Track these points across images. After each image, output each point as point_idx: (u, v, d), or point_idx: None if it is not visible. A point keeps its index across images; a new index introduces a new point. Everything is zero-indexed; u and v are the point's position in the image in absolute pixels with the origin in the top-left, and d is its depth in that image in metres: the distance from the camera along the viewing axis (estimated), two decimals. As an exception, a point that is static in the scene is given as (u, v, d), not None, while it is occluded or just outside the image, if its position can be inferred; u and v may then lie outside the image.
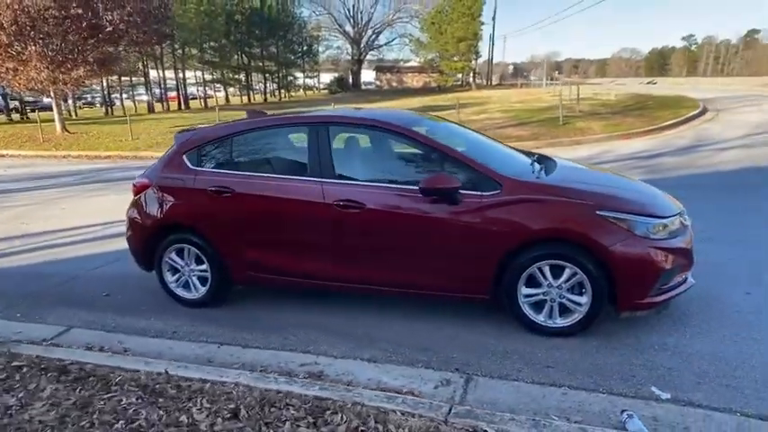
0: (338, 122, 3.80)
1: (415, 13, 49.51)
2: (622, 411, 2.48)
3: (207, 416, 2.34)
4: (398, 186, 3.46)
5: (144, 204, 4.07)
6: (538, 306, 3.33)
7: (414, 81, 65.27)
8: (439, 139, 3.61)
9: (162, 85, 38.20)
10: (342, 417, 2.30)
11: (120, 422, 2.32)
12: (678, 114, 16.54)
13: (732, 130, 13.38)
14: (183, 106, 35.74)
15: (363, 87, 58.08)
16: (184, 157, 3.98)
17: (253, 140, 3.93)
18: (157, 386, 2.64)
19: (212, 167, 3.93)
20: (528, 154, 4.23)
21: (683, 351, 3.09)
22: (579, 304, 3.22)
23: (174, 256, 4.02)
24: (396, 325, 3.61)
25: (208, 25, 32.12)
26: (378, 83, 69.41)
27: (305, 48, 48.61)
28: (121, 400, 2.50)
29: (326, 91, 55.10)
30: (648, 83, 51.53)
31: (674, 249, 3.17)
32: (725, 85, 42.24)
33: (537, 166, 3.76)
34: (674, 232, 3.22)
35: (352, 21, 54.29)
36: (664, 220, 3.20)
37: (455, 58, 42.96)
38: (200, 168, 3.92)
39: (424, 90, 47.33)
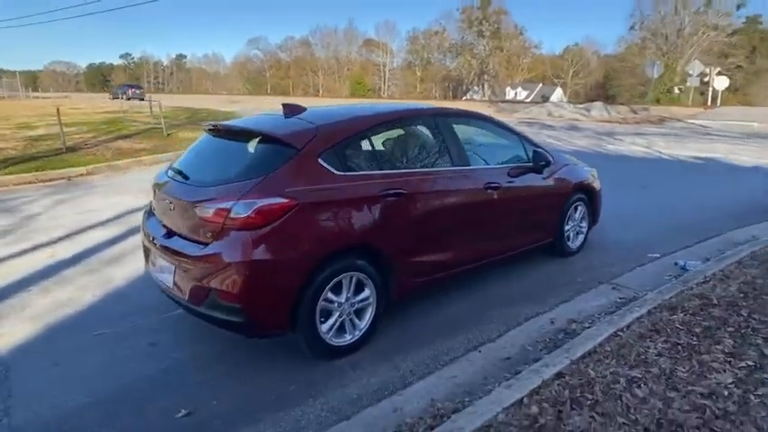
0: (456, 115, 3.94)
1: None
2: (675, 263, 4.54)
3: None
4: (510, 165, 4.14)
5: (289, 234, 2.78)
6: (568, 238, 4.84)
7: None
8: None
9: None
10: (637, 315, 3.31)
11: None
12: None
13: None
14: None
15: None
16: (320, 160, 3.00)
17: (388, 134, 3.45)
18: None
19: (363, 169, 3.20)
20: None
21: (634, 240, 5.39)
22: (583, 228, 4.99)
23: (329, 294, 3.00)
24: (521, 281, 4.27)
25: None
26: None
27: None
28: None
29: None
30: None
31: None
32: (204, 99, 47.98)
33: None
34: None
35: None
36: (590, 168, 5.37)
37: None
38: (349, 173, 3.09)
39: None
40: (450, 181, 3.61)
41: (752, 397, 2.32)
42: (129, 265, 4.77)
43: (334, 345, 3.09)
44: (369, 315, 3.23)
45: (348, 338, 3.15)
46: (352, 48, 79.19)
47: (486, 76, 69.25)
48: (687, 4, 42.07)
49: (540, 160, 4.22)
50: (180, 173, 3.30)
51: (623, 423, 2.18)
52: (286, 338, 3.21)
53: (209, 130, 3.58)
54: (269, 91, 76.52)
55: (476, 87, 72.44)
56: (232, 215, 2.75)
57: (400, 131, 3.69)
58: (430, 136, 3.77)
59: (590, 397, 2.38)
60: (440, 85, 78.57)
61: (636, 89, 50.71)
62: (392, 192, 3.21)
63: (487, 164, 4.05)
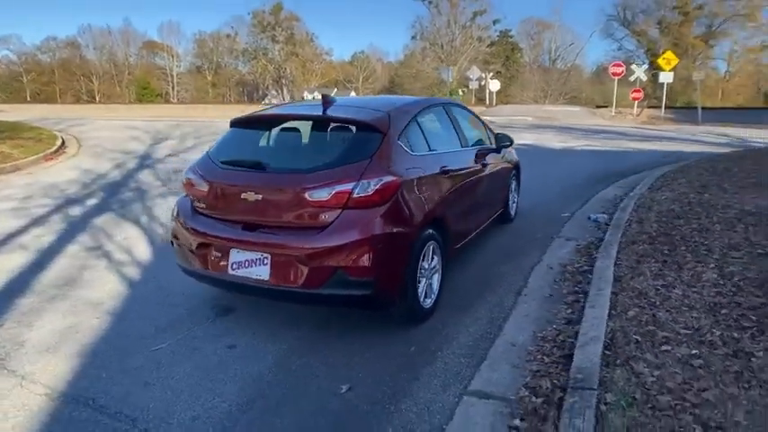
0: (454, 104, 4.48)
1: None
2: (588, 218, 5.86)
3: None
4: (486, 147, 4.86)
5: (402, 209, 3.06)
6: (509, 207, 5.80)
7: None
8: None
9: None
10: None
11: None
12: (43, 135, 16.28)
13: (133, 145, 15.19)
14: None
15: None
16: (399, 142, 3.30)
17: (426, 117, 3.87)
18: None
19: (422, 150, 3.60)
20: None
21: (537, 206, 6.57)
22: (516, 199, 6.03)
23: (420, 262, 3.33)
24: (495, 245, 5.03)
25: None
26: None
27: None
28: None
29: None
30: None
31: None
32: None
33: None
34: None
35: None
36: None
37: None
38: (418, 153, 3.47)
39: None
40: (466, 159, 4.21)
41: (736, 280, 3.45)
42: (99, 286, 4.20)
43: (425, 307, 3.43)
44: (437, 280, 3.63)
45: (428, 302, 3.51)
46: (131, 50, 71.53)
47: (283, 81, 69.84)
48: (457, 19, 49.10)
49: (503, 141, 5.06)
50: (248, 164, 3.22)
51: (690, 309, 3.08)
52: (354, 314, 3.50)
53: (256, 121, 3.58)
54: (29, 98, 64.33)
55: (274, 92, 72.49)
56: (354, 195, 2.90)
57: (433, 116, 4.11)
58: (447, 121, 4.29)
59: (653, 301, 3.24)
60: (234, 90, 76.45)
61: (411, 93, 57.01)
62: (446, 168, 3.67)
63: (473, 145, 4.71)
